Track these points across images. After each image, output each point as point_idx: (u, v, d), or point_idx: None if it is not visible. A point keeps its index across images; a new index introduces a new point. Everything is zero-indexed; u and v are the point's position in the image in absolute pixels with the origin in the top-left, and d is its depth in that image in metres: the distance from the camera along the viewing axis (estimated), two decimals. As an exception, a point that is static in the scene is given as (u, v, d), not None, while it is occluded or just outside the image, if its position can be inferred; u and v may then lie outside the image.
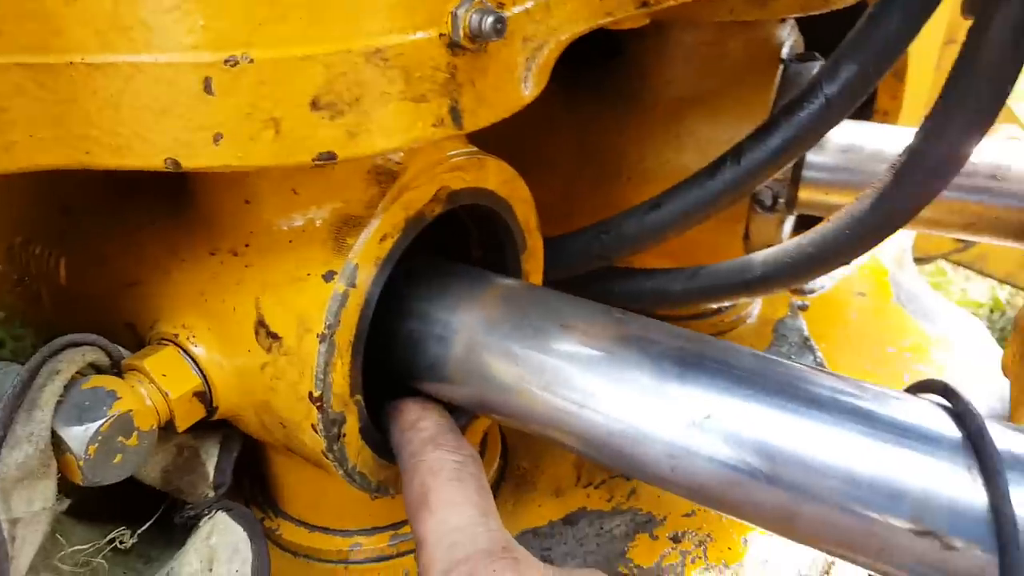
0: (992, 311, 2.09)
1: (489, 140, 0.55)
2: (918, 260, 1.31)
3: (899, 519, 0.39)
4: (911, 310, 0.93)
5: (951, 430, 0.41)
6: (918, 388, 0.46)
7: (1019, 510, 0.37)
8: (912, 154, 0.57)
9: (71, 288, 0.59)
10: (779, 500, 0.42)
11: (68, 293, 0.59)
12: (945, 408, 0.42)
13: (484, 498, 0.46)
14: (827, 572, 0.62)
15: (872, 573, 0.44)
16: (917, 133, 0.57)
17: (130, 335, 0.54)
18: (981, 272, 1.57)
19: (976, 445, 0.39)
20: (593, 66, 0.78)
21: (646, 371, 0.46)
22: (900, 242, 1.06)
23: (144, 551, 0.58)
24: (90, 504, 0.55)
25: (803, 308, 0.93)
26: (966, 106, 0.54)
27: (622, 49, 0.76)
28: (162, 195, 0.54)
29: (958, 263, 1.48)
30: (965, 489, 0.39)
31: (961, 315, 0.96)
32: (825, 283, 0.99)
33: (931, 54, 1.09)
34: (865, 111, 0.96)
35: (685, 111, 0.74)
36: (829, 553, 0.44)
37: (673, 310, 0.86)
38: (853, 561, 0.43)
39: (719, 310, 0.88)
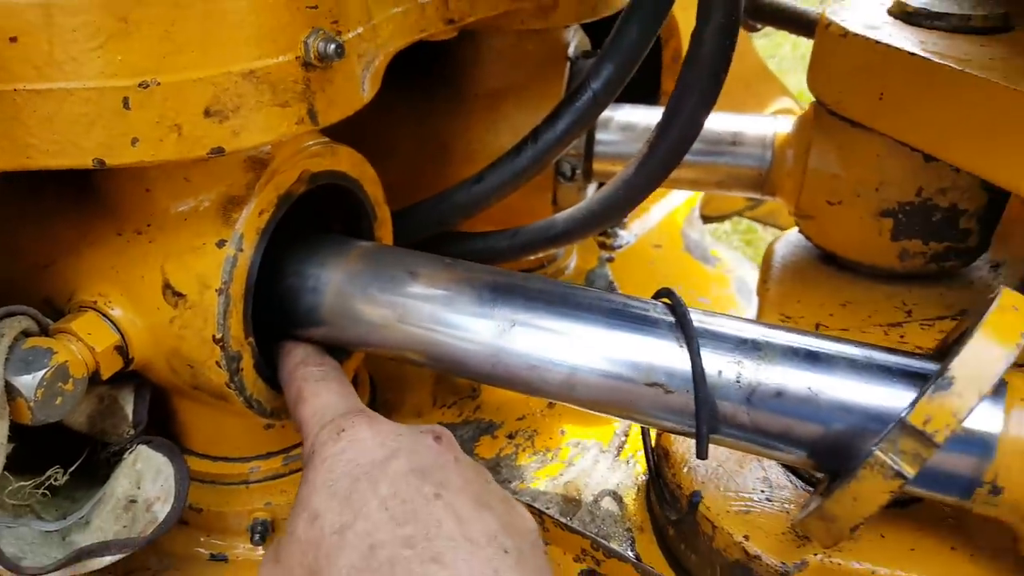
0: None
1: (345, 134, 0.70)
2: (716, 218, 1.54)
3: (637, 378, 0.57)
4: (696, 256, 1.16)
5: (668, 317, 0.59)
6: (655, 296, 0.64)
7: (706, 363, 0.55)
8: (660, 129, 0.76)
9: (-12, 275, 0.69)
10: (561, 377, 0.59)
11: (-15, 279, 0.69)
12: (667, 305, 0.61)
13: (344, 387, 0.62)
14: (621, 447, 0.81)
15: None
16: (663, 114, 0.76)
17: (47, 309, 0.65)
18: (775, 225, 1.84)
19: (681, 325, 0.58)
20: (424, 66, 0.94)
21: (472, 299, 0.61)
22: (689, 203, 1.28)
23: (70, 493, 0.68)
24: (19, 458, 0.67)
25: (610, 260, 1.13)
26: (694, 90, 0.73)
27: (444, 51, 0.92)
28: (67, 189, 0.66)
29: (754, 219, 1.73)
30: (675, 354, 0.57)
31: (735, 257, 1.19)
32: (629, 239, 1.20)
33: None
34: (654, 92, 1.16)
35: (499, 101, 0.91)
36: (599, 411, 0.60)
37: (503, 264, 1.04)
38: (614, 413, 0.60)
39: (542, 264, 1.06)
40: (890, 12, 0.82)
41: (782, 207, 0.94)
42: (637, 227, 1.20)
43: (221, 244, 0.59)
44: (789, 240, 0.95)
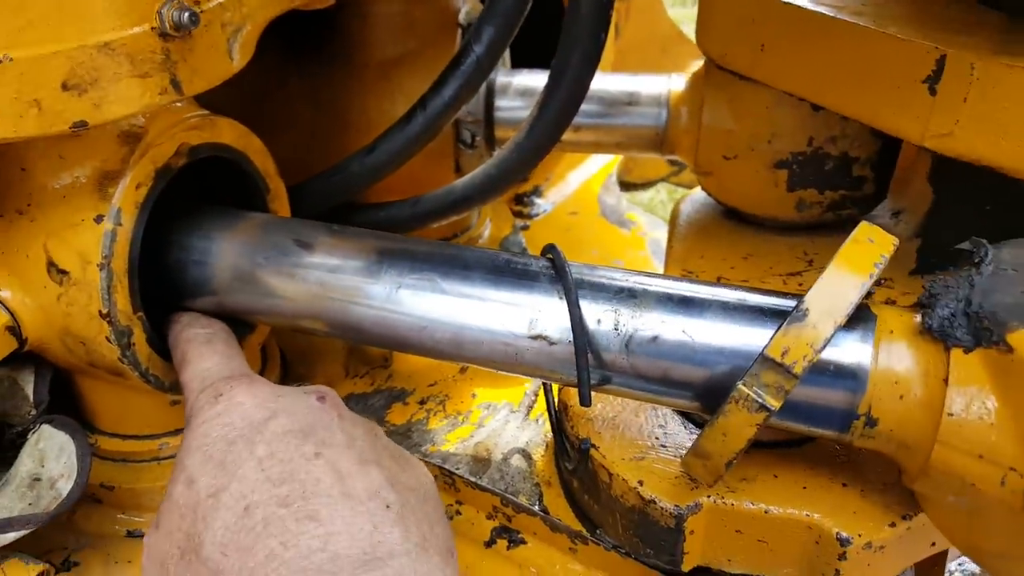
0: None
1: (239, 108, 0.70)
2: (640, 186, 1.57)
3: (521, 332, 0.59)
4: (612, 220, 1.18)
5: (550, 271, 0.60)
6: (542, 253, 0.66)
7: (585, 313, 0.57)
8: (548, 91, 0.77)
9: None
10: (449, 336, 0.60)
11: None
12: (549, 259, 0.63)
13: (230, 349, 0.63)
14: (531, 407, 0.83)
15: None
16: (549, 75, 0.77)
17: (-61, 295, 0.66)
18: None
19: (560, 277, 0.59)
20: (316, 37, 0.94)
21: (360, 264, 0.63)
22: (606, 170, 1.30)
23: (-22, 476, 0.69)
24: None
25: (524, 228, 1.14)
26: (577, 50, 0.74)
27: (335, 22, 0.92)
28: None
29: (678, 184, 1.75)
30: (555, 306, 0.58)
31: (650, 220, 1.21)
32: (546, 207, 1.22)
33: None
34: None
35: (392, 69, 0.91)
36: (491, 368, 0.62)
37: (408, 233, 1.05)
38: (504, 368, 0.62)
39: (456, 233, 1.07)
40: (769, -35, 0.84)
41: None
42: (554, 195, 1.21)
43: (99, 219, 0.60)
44: (694, 199, 0.97)
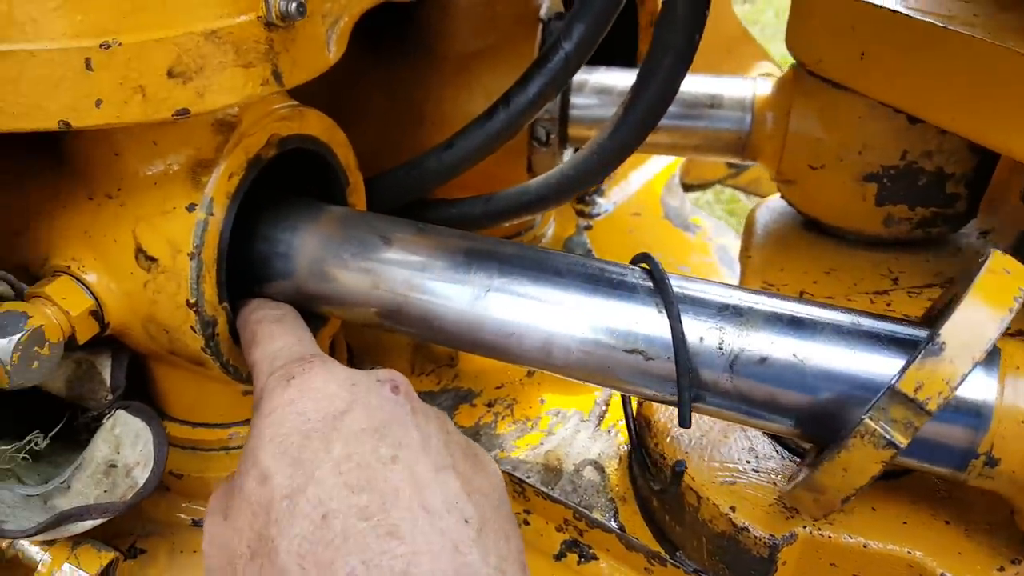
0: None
1: (317, 98, 0.69)
2: (697, 186, 1.54)
3: (616, 345, 0.56)
4: (676, 224, 1.15)
5: (647, 283, 0.58)
6: (633, 261, 0.64)
7: (687, 329, 0.55)
8: (635, 92, 0.75)
9: (-42, 243, 0.68)
10: (538, 344, 0.58)
11: (-44, 248, 0.69)
12: (646, 271, 0.61)
13: (301, 331, 0.60)
14: (602, 416, 0.82)
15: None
16: (637, 75, 0.75)
17: (23, 275, 0.65)
18: (756, 194, 1.84)
19: (660, 290, 0.57)
20: (395, 29, 0.92)
21: (446, 264, 0.61)
22: (669, 169, 1.27)
23: (51, 458, 0.69)
24: (2, 422, 0.67)
25: (588, 228, 1.12)
26: (669, 52, 0.72)
27: (416, 14, 0.90)
28: (37, 154, 0.65)
29: (735, 186, 1.73)
30: (654, 320, 0.56)
31: (716, 224, 1.18)
32: (608, 207, 1.20)
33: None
34: (631, 55, 1.15)
35: (470, 63, 0.90)
36: (578, 379, 0.60)
37: (479, 230, 1.04)
38: (593, 380, 0.60)
39: (520, 232, 1.05)
40: (870, -32, 0.81)
41: (764, 175, 0.94)
42: (616, 194, 1.19)
43: (191, 208, 0.59)
44: (771, 206, 0.95)
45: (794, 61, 0.87)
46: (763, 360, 0.54)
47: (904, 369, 0.49)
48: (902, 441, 0.48)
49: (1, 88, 0.49)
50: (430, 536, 0.44)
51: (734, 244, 1.14)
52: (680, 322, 0.55)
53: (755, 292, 0.58)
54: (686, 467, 0.62)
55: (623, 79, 0.94)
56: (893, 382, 0.49)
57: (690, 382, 0.55)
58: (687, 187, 1.53)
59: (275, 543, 0.45)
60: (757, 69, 1.53)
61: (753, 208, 0.97)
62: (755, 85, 0.90)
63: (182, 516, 0.75)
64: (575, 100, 0.92)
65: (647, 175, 1.24)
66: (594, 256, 1.07)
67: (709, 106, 0.89)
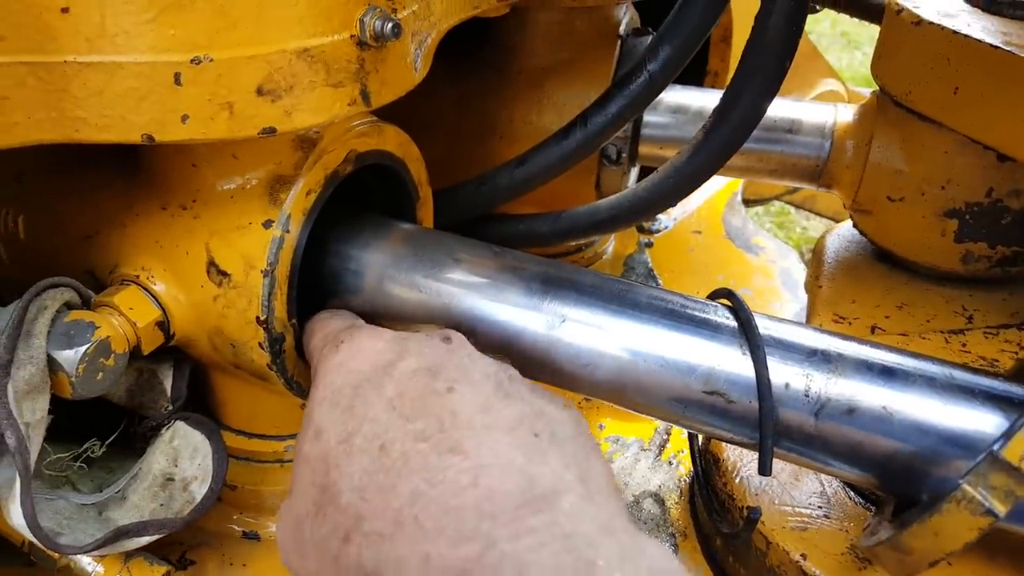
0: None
1: (385, 108, 0.67)
2: (755, 202, 1.51)
3: (695, 384, 0.54)
4: (738, 244, 1.12)
5: (731, 321, 0.56)
6: (713, 296, 0.62)
7: (772, 374, 0.53)
8: (717, 116, 0.73)
9: (29, 243, 0.68)
10: (613, 377, 0.56)
11: (26, 247, 0.68)
12: (728, 307, 0.59)
13: (351, 316, 0.59)
14: (663, 446, 0.80)
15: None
16: (721, 99, 0.72)
17: (90, 280, 0.64)
18: (812, 211, 1.81)
19: (745, 330, 0.55)
20: (468, 41, 0.91)
21: (519, 290, 0.59)
22: (730, 187, 1.24)
23: (106, 464, 0.68)
24: (57, 428, 0.66)
25: (649, 245, 1.10)
26: (756, 77, 0.70)
27: (490, 26, 0.89)
28: (113, 161, 0.64)
29: (790, 203, 1.69)
30: (738, 361, 0.54)
31: (779, 246, 1.15)
32: (668, 224, 1.17)
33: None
34: (699, 72, 1.13)
35: (544, 78, 0.88)
36: (651, 415, 0.59)
37: (543, 248, 1.02)
38: (667, 419, 0.58)
39: (580, 248, 1.03)
40: (968, -1, 0.79)
41: (819, 193, 0.91)
42: (676, 211, 1.16)
43: (268, 224, 0.57)
44: (842, 234, 0.92)
45: (878, 88, 0.84)
46: (851, 410, 0.52)
47: (1008, 434, 0.47)
48: (1001, 510, 0.46)
49: (86, 98, 0.48)
50: (496, 449, 0.41)
51: (798, 267, 1.11)
52: (766, 367, 0.53)
53: (844, 338, 0.56)
54: (761, 514, 0.60)
55: (699, 98, 0.91)
56: (995, 448, 0.47)
57: (773, 429, 0.53)
58: (744, 202, 1.51)
59: (337, 487, 0.43)
60: (822, 87, 1.49)
61: (823, 235, 0.94)
62: (836, 112, 0.87)
63: (233, 527, 0.74)
64: (648, 118, 0.90)
65: (708, 192, 1.22)
66: (655, 276, 1.05)
67: (788, 131, 0.87)
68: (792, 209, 2.37)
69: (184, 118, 0.48)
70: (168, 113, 0.48)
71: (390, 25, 0.50)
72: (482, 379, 0.47)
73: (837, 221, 1.84)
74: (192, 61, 0.47)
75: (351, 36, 0.50)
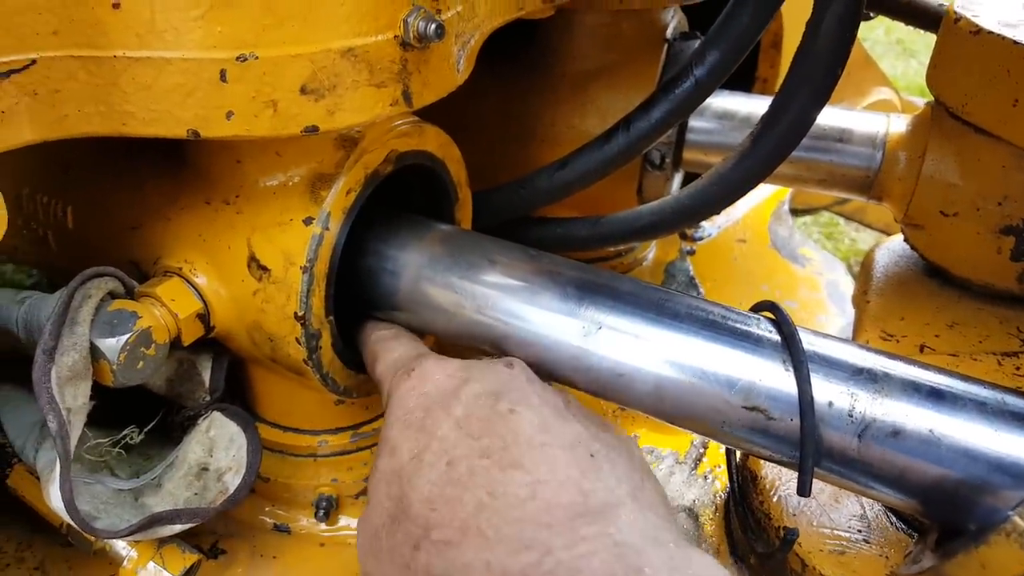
0: (874, 254, 2.30)
1: (431, 106, 0.67)
2: (804, 211, 1.48)
3: (734, 399, 0.53)
4: (784, 254, 1.10)
5: (773, 335, 0.55)
6: (756, 308, 0.60)
7: (816, 391, 0.51)
8: (765, 123, 0.71)
9: (77, 232, 0.69)
10: (650, 388, 0.55)
11: (74, 237, 0.69)
12: (771, 320, 0.57)
13: (414, 341, 0.63)
14: (699, 459, 0.78)
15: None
16: (770, 106, 0.71)
17: (134, 271, 0.65)
18: (862, 223, 1.77)
19: (788, 345, 0.53)
20: (512, 43, 0.90)
21: (555, 295, 0.59)
22: (778, 196, 1.22)
23: (144, 451, 0.69)
24: (97, 414, 0.67)
25: (691, 253, 1.08)
26: (806, 84, 0.68)
27: (534, 28, 0.88)
28: (159, 154, 0.65)
29: (840, 214, 1.66)
30: (780, 377, 0.52)
31: (826, 258, 1.13)
32: (711, 231, 1.16)
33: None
34: (747, 78, 1.11)
35: (587, 82, 0.87)
36: (687, 428, 0.58)
37: (581, 252, 1.01)
38: (704, 433, 0.57)
39: (619, 253, 1.02)
40: (1029, 9, 0.76)
41: (870, 205, 0.89)
42: (720, 218, 1.14)
43: (308, 221, 0.58)
44: (892, 248, 0.90)
45: (933, 99, 0.81)
46: (896, 433, 0.50)
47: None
48: (1052, 544, 0.44)
49: (135, 93, 0.48)
50: (554, 466, 0.44)
51: (845, 280, 1.09)
52: (810, 384, 0.52)
53: (892, 357, 0.54)
54: (797, 536, 0.58)
55: (746, 105, 0.90)
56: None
57: (814, 449, 0.51)
58: (792, 212, 1.48)
59: (408, 499, 0.47)
60: (875, 95, 1.46)
61: (872, 248, 0.92)
62: (888, 122, 0.84)
63: (265, 519, 0.75)
64: (694, 123, 0.89)
65: (755, 199, 1.19)
66: (697, 285, 1.03)
67: (838, 140, 0.85)
68: (841, 220, 2.32)
69: (229, 115, 0.49)
70: (213, 109, 0.49)
71: (434, 26, 0.50)
72: (541, 403, 0.51)
73: (888, 234, 1.80)
74: (238, 59, 0.47)
75: (395, 36, 0.50)
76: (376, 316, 0.66)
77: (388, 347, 0.61)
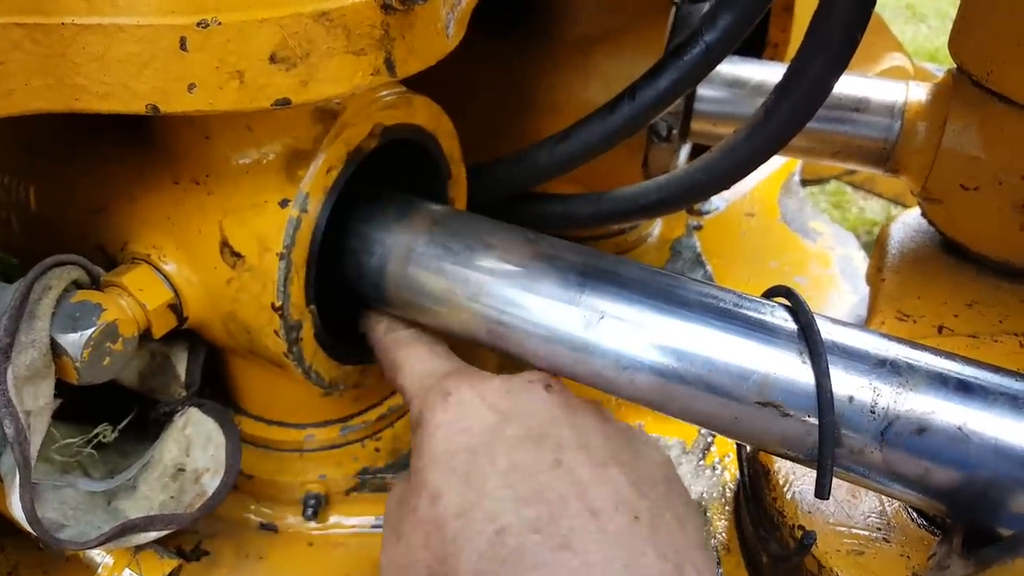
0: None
1: (420, 74, 0.63)
2: (812, 182, 1.43)
3: (747, 394, 0.49)
4: (794, 228, 1.05)
5: (789, 324, 0.50)
6: (769, 293, 0.56)
7: (836, 385, 0.47)
8: (779, 92, 0.67)
9: (41, 214, 0.65)
10: (656, 382, 0.51)
11: (38, 218, 0.65)
12: (787, 308, 0.53)
13: (436, 345, 0.60)
14: (707, 449, 0.74)
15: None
16: (784, 74, 0.66)
17: (100, 256, 0.61)
18: (870, 191, 1.72)
19: (806, 335, 0.49)
20: (508, 5, 0.85)
21: (554, 282, 0.54)
22: (788, 167, 1.17)
23: (120, 447, 0.65)
24: (71, 408, 0.63)
25: (698, 228, 1.04)
26: (824, 50, 0.63)
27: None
28: (123, 130, 0.60)
29: (850, 183, 1.61)
30: (796, 369, 0.48)
31: (838, 232, 1.08)
32: (719, 205, 1.11)
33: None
34: (759, 42, 1.05)
35: (590, 47, 0.82)
36: (696, 424, 0.54)
37: (582, 231, 0.96)
38: (714, 429, 0.53)
39: (623, 230, 0.98)
40: (1063, -32, 0.70)
41: (880, 175, 0.84)
42: (728, 191, 1.08)
43: (284, 204, 0.53)
44: (907, 223, 0.85)
45: (955, 66, 0.77)
46: (922, 431, 0.46)
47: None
48: (1093, 552, 0.40)
49: (86, 64, 0.44)
50: (601, 544, 0.44)
51: (859, 255, 1.04)
52: (829, 377, 0.48)
53: (916, 347, 0.50)
54: (815, 540, 0.54)
55: (758, 72, 0.84)
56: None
57: (835, 450, 0.47)
58: (801, 182, 1.43)
59: (454, 564, 0.45)
60: (887, 61, 1.40)
61: (886, 223, 0.87)
62: (907, 90, 0.79)
63: (251, 517, 0.71)
64: (702, 92, 0.83)
65: (764, 172, 1.14)
66: (704, 262, 0.99)
67: (854, 109, 0.80)
68: (849, 188, 2.28)
69: (191, 87, 0.44)
70: (173, 82, 0.44)
71: (418, -13, 0.45)
72: (580, 443, 0.49)
73: (898, 204, 1.76)
74: (199, 25, 0.42)
75: (375, -1, 0.46)
76: (376, 308, 0.61)
77: (412, 355, 0.58)
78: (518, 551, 0.44)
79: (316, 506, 0.69)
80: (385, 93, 0.57)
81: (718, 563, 0.63)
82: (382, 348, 0.60)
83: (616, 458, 0.49)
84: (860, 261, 1.03)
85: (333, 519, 0.70)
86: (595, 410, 0.53)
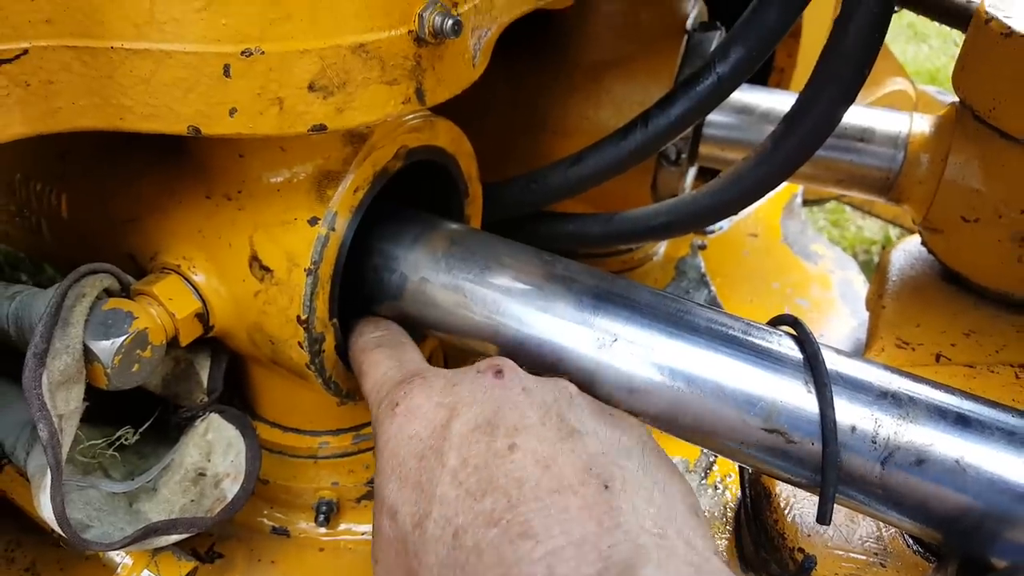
0: (884, 247, 2.28)
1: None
2: (812, 202, 1.45)
3: (753, 420, 0.51)
4: (796, 250, 1.08)
5: (795, 353, 0.52)
6: (775, 322, 0.58)
7: (839, 414, 0.49)
8: (788, 122, 0.69)
9: (71, 222, 0.66)
10: (665, 405, 0.53)
11: (69, 226, 0.67)
12: (793, 337, 0.55)
13: (399, 351, 0.57)
14: (709, 468, 0.76)
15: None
16: (792, 105, 0.68)
17: (130, 264, 0.63)
18: (870, 213, 1.74)
19: (812, 364, 0.51)
20: (524, 30, 0.87)
21: (568, 303, 0.56)
22: (790, 188, 1.19)
23: (139, 449, 0.67)
24: (94, 411, 0.65)
25: (702, 247, 1.06)
26: (832, 84, 0.65)
27: (550, 15, 0.85)
28: (158, 144, 0.62)
29: (849, 204, 1.63)
30: (801, 398, 0.50)
31: (839, 255, 1.11)
32: (723, 225, 1.13)
33: (826, 16, 1.21)
34: (765, 67, 1.08)
35: (603, 72, 0.84)
36: (702, 446, 0.56)
37: (591, 250, 0.98)
38: (720, 452, 0.55)
39: (630, 248, 1.00)
40: (1065, 11, 0.73)
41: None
42: (733, 212, 1.12)
43: (313, 222, 0.55)
44: (908, 251, 0.88)
45: (958, 100, 0.79)
46: (920, 462, 0.48)
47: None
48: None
49: (132, 86, 0.46)
50: (567, 523, 0.40)
51: (859, 279, 1.06)
52: (833, 407, 0.50)
53: (917, 380, 0.52)
54: (815, 564, 0.56)
55: (766, 99, 0.87)
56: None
57: (838, 477, 0.49)
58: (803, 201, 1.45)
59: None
60: (890, 86, 1.43)
61: (887, 250, 0.89)
62: (911, 121, 0.82)
63: (264, 521, 0.73)
64: (711, 117, 0.86)
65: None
66: (708, 282, 1.01)
67: (859, 139, 0.82)
68: (848, 208, 2.30)
69: (232, 111, 0.46)
70: (215, 106, 0.46)
71: (450, 22, 0.47)
72: (541, 419, 0.46)
73: (896, 225, 1.78)
74: (243, 53, 0.44)
75: (408, 32, 0.48)
76: (371, 312, 0.63)
77: (372, 361, 0.57)
78: (476, 550, 0.41)
79: (328, 512, 0.70)
80: (410, 116, 0.59)
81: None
82: (351, 355, 0.60)
83: (583, 429, 0.46)
84: (860, 285, 1.05)
85: (344, 525, 0.72)
86: (557, 385, 0.50)
